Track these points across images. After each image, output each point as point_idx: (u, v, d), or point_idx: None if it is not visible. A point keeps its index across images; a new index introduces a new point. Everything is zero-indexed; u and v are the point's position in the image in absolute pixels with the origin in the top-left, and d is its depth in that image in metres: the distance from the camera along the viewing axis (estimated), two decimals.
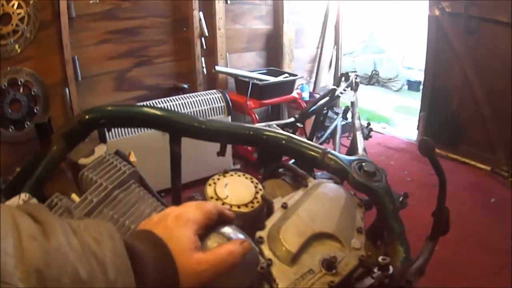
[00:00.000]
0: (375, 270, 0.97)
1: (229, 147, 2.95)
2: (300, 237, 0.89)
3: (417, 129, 4.60)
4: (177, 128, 1.24)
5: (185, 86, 3.45)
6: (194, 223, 0.61)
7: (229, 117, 3.03)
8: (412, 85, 7.68)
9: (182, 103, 2.94)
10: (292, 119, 1.80)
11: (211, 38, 3.65)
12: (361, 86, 7.58)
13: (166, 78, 3.54)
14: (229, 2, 3.73)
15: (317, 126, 2.44)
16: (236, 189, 0.97)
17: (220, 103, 3.01)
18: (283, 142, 1.24)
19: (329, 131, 2.39)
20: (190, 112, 2.93)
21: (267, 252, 0.87)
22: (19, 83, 2.76)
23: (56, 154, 1.07)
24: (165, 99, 2.96)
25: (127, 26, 3.25)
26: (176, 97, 2.97)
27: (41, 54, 2.85)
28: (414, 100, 5.02)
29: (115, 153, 1.10)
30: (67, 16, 2.85)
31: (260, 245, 0.88)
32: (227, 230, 0.70)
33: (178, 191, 1.36)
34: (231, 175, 1.02)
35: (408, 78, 7.92)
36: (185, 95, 3.00)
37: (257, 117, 3.37)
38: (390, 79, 7.99)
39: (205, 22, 3.55)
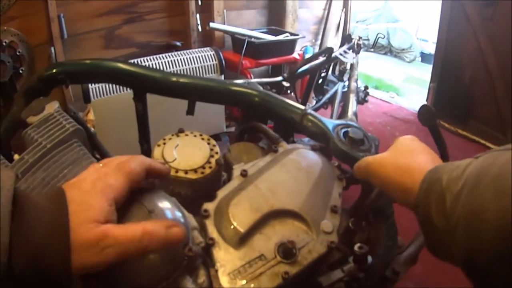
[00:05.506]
0: (350, 260, 0.79)
1: (221, 109, 2.82)
2: (254, 214, 0.72)
3: (426, 100, 4.39)
4: (140, 83, 1.10)
5: (178, 43, 3.26)
6: (114, 190, 0.50)
7: (222, 76, 2.87)
8: (425, 58, 7.45)
9: (172, 61, 2.76)
10: (279, 78, 1.60)
11: None
12: (372, 54, 7.54)
13: (158, 35, 3.37)
14: None
15: (313, 88, 2.24)
16: (187, 152, 0.81)
17: (213, 61, 2.84)
18: (256, 99, 1.05)
19: (327, 95, 2.19)
20: (181, 70, 2.75)
21: (211, 229, 0.70)
22: (4, 44, 2.67)
23: (16, 113, 0.98)
24: (154, 56, 2.79)
25: None
26: (166, 54, 2.79)
27: (26, 13, 2.73)
28: (426, 73, 4.85)
29: (64, 110, 0.97)
30: None
31: (205, 220, 0.71)
32: (160, 204, 0.57)
33: (146, 155, 1.20)
34: (186, 135, 0.87)
35: (422, 50, 7.69)
36: (176, 53, 2.83)
37: (253, 77, 3.16)
38: (403, 49, 7.77)
39: None
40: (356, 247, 0.78)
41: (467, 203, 0.43)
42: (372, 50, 7.95)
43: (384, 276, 1.02)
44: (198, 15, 3.43)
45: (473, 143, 3.87)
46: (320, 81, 2.35)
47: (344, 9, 4.78)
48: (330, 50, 1.86)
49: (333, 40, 4.72)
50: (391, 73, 6.52)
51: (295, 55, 3.54)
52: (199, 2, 3.40)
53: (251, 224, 0.70)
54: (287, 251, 0.68)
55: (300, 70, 1.71)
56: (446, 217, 0.46)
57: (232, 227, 0.69)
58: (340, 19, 4.82)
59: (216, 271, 0.64)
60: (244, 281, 0.64)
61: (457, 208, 0.44)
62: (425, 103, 1.03)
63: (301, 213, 0.74)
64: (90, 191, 0.49)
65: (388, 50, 8.02)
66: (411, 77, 6.50)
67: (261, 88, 1.20)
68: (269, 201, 0.74)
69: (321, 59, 1.92)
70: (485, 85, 3.79)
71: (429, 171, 0.54)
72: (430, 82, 4.40)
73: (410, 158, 0.64)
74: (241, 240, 0.68)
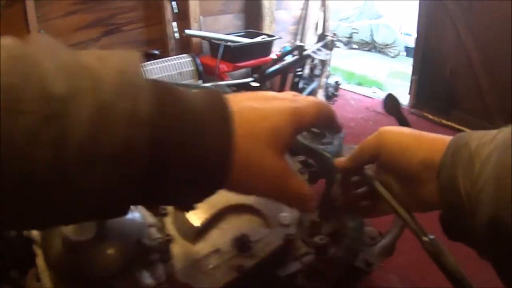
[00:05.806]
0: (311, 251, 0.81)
1: None
2: (210, 209, 0.73)
3: (409, 93, 4.40)
4: None
5: (156, 52, 3.27)
6: (304, 121, 0.41)
7: (200, 82, 2.88)
8: (410, 52, 7.37)
9: (150, 69, 2.80)
10: (249, 79, 1.62)
11: (183, 1, 3.46)
12: (356, 52, 7.55)
13: (136, 45, 3.39)
14: None
15: (290, 88, 2.25)
16: None
17: (190, 67, 2.86)
18: None
19: (304, 94, 2.21)
20: (160, 78, 2.76)
21: (170, 227, 0.73)
22: None
23: None
24: None
25: None
26: (145, 63, 2.81)
27: (7, 31, 2.71)
28: (411, 66, 4.87)
29: None
30: None
31: (163, 218, 0.73)
32: None
33: None
34: None
35: (406, 44, 7.66)
36: (154, 61, 2.85)
37: (230, 79, 3.17)
38: (387, 45, 7.76)
39: None
40: (317, 239, 0.80)
41: (496, 164, 0.42)
42: (357, 47, 7.98)
43: (355, 267, 1.03)
44: (175, 23, 3.46)
45: (459, 132, 3.83)
46: (296, 79, 2.36)
47: (322, 8, 4.81)
48: (301, 48, 1.88)
49: (312, 39, 4.72)
50: (375, 69, 6.52)
51: (273, 56, 3.56)
52: (175, 10, 3.43)
53: (207, 219, 0.72)
54: (241, 244, 0.69)
55: (270, 70, 1.72)
56: (473, 182, 0.44)
57: (188, 223, 0.71)
58: (319, 18, 4.85)
59: (173, 265, 0.66)
60: (199, 275, 0.65)
61: (485, 172, 0.43)
62: (390, 93, 1.04)
63: (257, 207, 0.76)
64: (276, 110, 0.39)
65: (372, 46, 8.00)
66: (395, 72, 6.50)
67: (228, 89, 1.21)
68: (225, 197, 0.76)
69: (294, 57, 1.94)
70: (467, 75, 3.78)
71: (454, 137, 0.51)
72: (412, 75, 4.41)
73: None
74: (198, 235, 0.70)
